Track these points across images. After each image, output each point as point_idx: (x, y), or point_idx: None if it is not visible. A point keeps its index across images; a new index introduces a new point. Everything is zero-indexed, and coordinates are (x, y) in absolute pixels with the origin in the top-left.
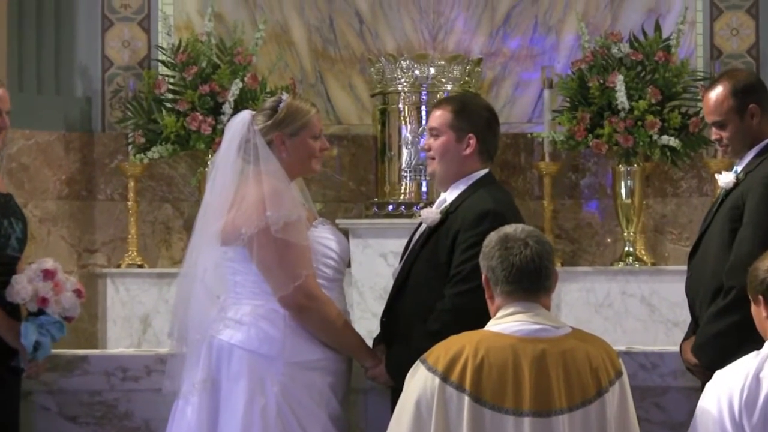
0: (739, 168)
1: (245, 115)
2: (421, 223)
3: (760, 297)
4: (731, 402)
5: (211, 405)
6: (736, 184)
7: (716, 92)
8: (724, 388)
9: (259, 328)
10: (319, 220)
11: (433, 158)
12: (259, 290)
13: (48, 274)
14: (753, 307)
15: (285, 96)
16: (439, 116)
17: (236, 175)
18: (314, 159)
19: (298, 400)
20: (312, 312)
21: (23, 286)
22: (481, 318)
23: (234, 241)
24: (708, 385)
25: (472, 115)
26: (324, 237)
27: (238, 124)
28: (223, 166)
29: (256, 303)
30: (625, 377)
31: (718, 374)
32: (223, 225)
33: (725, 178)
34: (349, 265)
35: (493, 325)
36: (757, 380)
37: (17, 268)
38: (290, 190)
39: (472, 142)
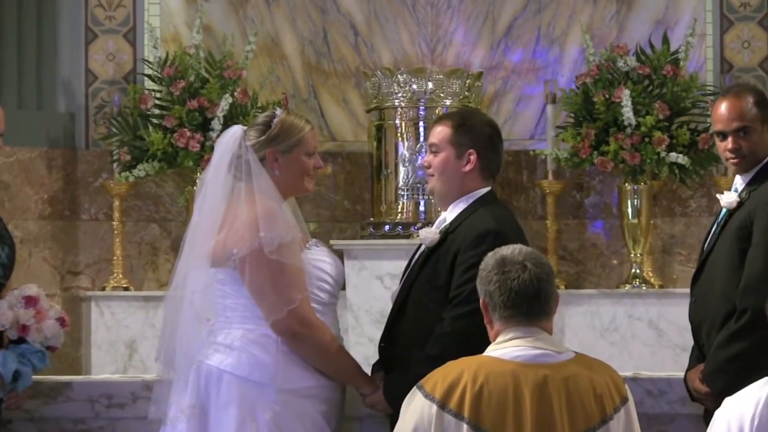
0: (739, 187)
1: (236, 130)
2: (420, 244)
3: None
4: (742, 430)
5: (200, 427)
6: (740, 204)
7: (740, 99)
8: (735, 416)
9: (250, 354)
10: (312, 242)
11: (433, 175)
12: (250, 314)
13: (30, 301)
14: None
15: (279, 111)
16: (439, 132)
17: (227, 193)
18: (307, 177)
19: (291, 428)
20: (305, 338)
21: (3, 312)
22: (482, 341)
23: (225, 262)
24: (717, 413)
25: (473, 131)
26: (318, 259)
27: (230, 140)
28: (213, 184)
29: (247, 327)
30: (631, 403)
31: (728, 401)
32: (213, 246)
33: (728, 198)
34: (343, 287)
35: (493, 350)
36: None
37: (2, 294)
38: (283, 210)
39: (473, 158)
